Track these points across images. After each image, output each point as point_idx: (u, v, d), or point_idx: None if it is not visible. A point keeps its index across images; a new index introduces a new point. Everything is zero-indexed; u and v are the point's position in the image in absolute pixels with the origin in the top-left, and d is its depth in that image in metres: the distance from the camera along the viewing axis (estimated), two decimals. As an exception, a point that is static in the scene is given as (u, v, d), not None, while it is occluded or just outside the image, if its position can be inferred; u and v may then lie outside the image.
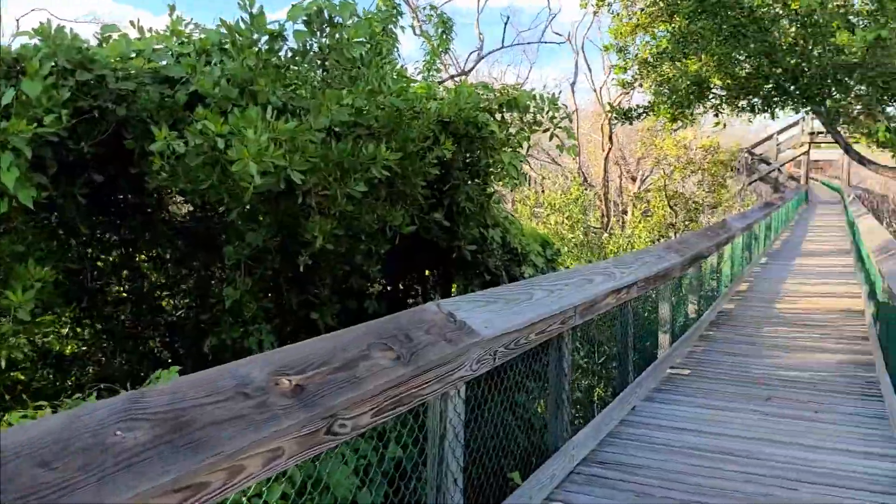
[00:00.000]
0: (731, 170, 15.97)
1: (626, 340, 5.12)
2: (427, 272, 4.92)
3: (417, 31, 11.83)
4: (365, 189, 3.32)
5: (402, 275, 4.95)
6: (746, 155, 41.87)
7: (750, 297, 10.30)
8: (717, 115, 9.33)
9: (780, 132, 43.07)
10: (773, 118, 9.73)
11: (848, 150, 8.04)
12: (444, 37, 7.66)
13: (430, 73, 7.54)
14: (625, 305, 4.98)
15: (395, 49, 5.71)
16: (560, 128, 4.58)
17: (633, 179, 17.41)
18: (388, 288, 4.95)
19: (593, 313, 4.14)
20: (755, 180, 42.50)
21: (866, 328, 7.93)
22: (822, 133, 41.32)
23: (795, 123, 42.11)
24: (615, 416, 4.81)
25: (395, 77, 4.12)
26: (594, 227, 13.31)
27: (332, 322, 3.95)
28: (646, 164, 16.05)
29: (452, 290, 4.97)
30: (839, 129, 8.08)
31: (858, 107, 8.00)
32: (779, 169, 43.94)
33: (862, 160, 7.77)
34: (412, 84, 4.63)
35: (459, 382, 2.71)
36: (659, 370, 5.99)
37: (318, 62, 3.55)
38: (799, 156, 43.17)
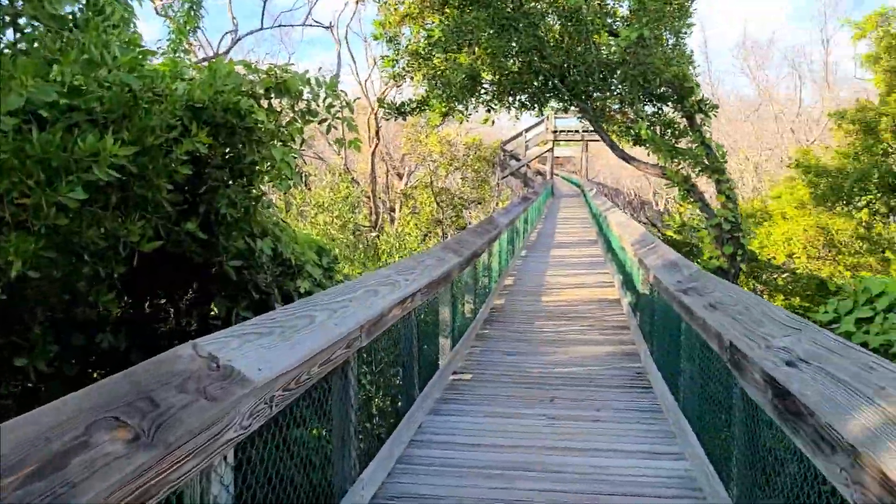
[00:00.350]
0: (493, 166, 16.55)
1: (412, 351, 4.76)
2: (181, 293, 4.07)
3: (159, 9, 10.52)
4: (84, 196, 2.47)
5: (148, 295, 4.06)
6: (499, 151, 44.54)
7: (517, 292, 10.59)
8: (489, 111, 9.38)
9: (527, 130, 46.33)
10: (541, 114, 10.04)
11: (613, 147, 8.50)
12: (193, 13, 6.70)
13: (177, 54, 6.57)
14: (409, 315, 4.60)
15: (132, 23, 4.76)
16: (339, 118, 4.03)
17: (400, 176, 17.37)
18: (131, 311, 4.03)
19: (380, 329, 3.68)
20: (507, 175, 45.31)
21: (625, 317, 8.43)
22: (563, 131, 45.30)
23: (541, 122, 45.67)
24: (404, 437, 4.42)
25: (124, 46, 3.23)
26: (363, 226, 12.96)
27: (48, 368, 3.02)
28: (411, 161, 16.02)
29: (212, 312, 4.20)
30: (604, 125, 8.51)
31: (616, 105, 8.50)
32: (527, 165, 47.33)
33: (626, 157, 8.26)
34: (150, 58, 3.78)
35: (227, 448, 2.08)
36: (443, 378, 5.73)
37: (7, 19, 2.62)
38: (544, 152, 46.78)
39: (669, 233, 11.88)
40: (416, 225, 12.51)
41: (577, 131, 44.95)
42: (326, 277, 4.78)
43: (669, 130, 8.18)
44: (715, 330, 3.14)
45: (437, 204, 14.72)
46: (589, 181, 46.29)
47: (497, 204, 22.60)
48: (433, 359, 5.61)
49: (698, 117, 7.69)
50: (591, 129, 44.70)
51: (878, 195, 11.46)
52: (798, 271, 10.90)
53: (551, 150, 46.04)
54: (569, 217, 27.08)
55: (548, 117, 44.94)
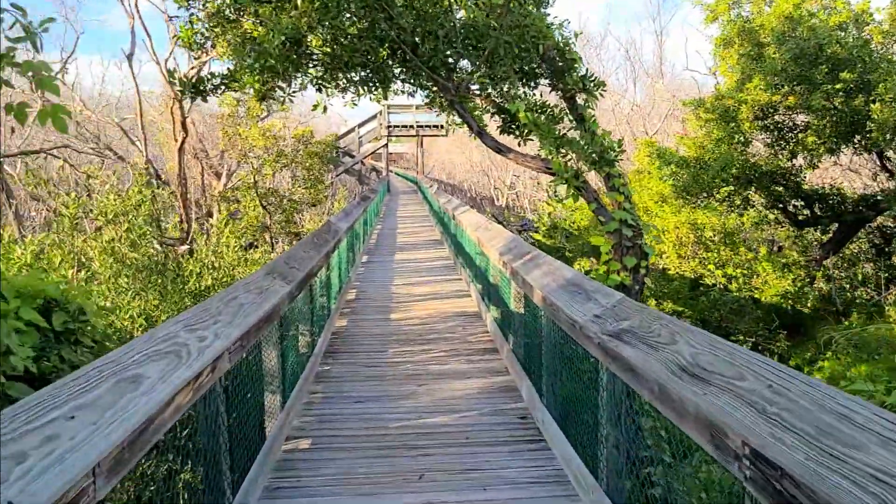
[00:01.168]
0: (327, 163, 14.89)
1: (217, 442, 3.20)
2: None
3: None
4: None
5: None
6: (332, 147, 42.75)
7: (362, 309, 9.15)
8: (319, 91, 7.78)
9: (360, 125, 44.85)
10: (385, 97, 8.58)
11: (482, 135, 7.21)
12: None
13: None
14: (213, 390, 3.05)
15: None
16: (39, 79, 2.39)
17: (218, 175, 15.24)
18: None
19: (143, 449, 2.11)
20: (341, 172, 43.60)
21: (491, 336, 7.27)
22: (397, 126, 44.29)
23: (374, 117, 44.35)
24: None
25: None
26: (170, 239, 10.84)
27: None
28: (231, 158, 13.91)
29: None
30: (467, 108, 7.22)
31: (478, 85, 7.28)
32: (362, 161, 45.87)
33: (500, 148, 7.03)
34: None
35: None
36: (272, 452, 4.20)
37: None
38: (379, 148, 45.54)
39: (537, 236, 11.06)
40: (234, 232, 10.62)
41: (411, 126, 44.13)
42: (59, 352, 3.06)
43: (543, 115, 7.06)
44: (731, 440, 1.88)
45: (264, 208, 12.86)
46: (427, 178, 45.63)
47: (332, 206, 20.95)
48: (253, 433, 4.05)
49: (580, 98, 6.62)
50: (426, 124, 44.05)
51: (736, 188, 11.30)
52: (669, 272, 10.38)
53: (386, 145, 44.88)
54: (408, 216, 25.97)
55: (381, 112, 43.84)
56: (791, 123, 11.79)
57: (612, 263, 5.70)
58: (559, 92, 6.45)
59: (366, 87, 7.77)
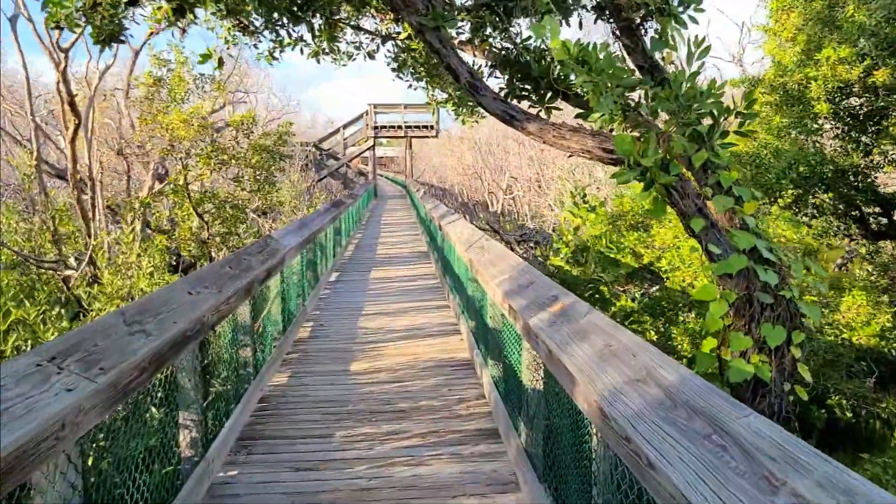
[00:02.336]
0: (283, 159, 12.53)
1: None
2: None
3: None
4: None
5: None
6: (313, 150, 40.42)
7: (313, 354, 6.87)
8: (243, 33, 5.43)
9: (345, 126, 42.63)
10: (329, 47, 6.20)
11: (475, 89, 4.79)
12: None
13: None
14: None
15: None
16: None
17: (161, 179, 12.80)
18: None
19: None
20: (325, 176, 41.33)
21: (489, 407, 5.03)
22: (384, 127, 42.07)
23: (360, 117, 42.13)
24: None
25: None
26: (47, 261, 8.46)
27: None
28: (155, 153, 11.55)
29: None
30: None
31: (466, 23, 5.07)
32: (347, 164, 43.63)
33: (510, 115, 4.66)
34: None
35: None
36: None
37: None
38: (365, 151, 43.31)
39: (556, 261, 8.81)
40: (158, 251, 8.32)
41: (399, 126, 41.96)
42: None
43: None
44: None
45: (200, 217, 10.48)
46: (415, 181, 43.39)
47: (307, 212, 18.66)
48: None
49: (652, 28, 4.28)
50: (415, 124, 41.85)
51: (804, 190, 8.97)
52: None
53: (372, 147, 42.64)
54: (394, 222, 23.71)
55: (367, 112, 41.61)
56: (872, 108, 9.50)
57: (733, 337, 3.43)
58: (612, 19, 4.17)
59: (291, 24, 5.43)
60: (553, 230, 17.55)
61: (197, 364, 3.80)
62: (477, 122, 6.37)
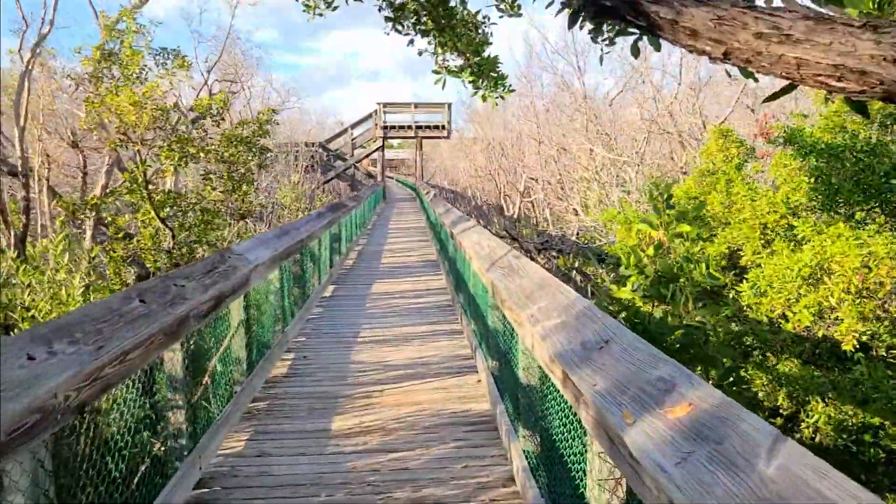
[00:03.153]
0: (264, 153, 10.96)
1: None
2: None
3: None
4: None
5: None
6: (320, 150, 39.03)
7: (283, 408, 5.36)
8: None
9: (353, 126, 41.21)
10: None
11: None
12: None
13: None
14: None
15: None
16: None
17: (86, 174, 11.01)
18: None
19: None
20: (332, 178, 39.95)
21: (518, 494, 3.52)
22: (394, 127, 40.62)
23: (369, 116, 40.69)
24: None
25: None
26: None
27: None
28: (104, 144, 9.96)
29: None
30: None
31: None
32: (355, 166, 42.20)
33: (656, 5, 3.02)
34: None
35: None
36: None
37: None
38: (374, 152, 41.87)
39: (624, 293, 6.98)
40: (92, 263, 6.79)
41: (409, 126, 40.51)
42: None
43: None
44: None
45: (163, 222, 8.89)
46: (426, 183, 41.90)
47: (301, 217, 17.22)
48: None
49: None
50: (426, 124, 40.47)
51: (875, 200, 7.27)
52: (843, 344, 6.36)
53: (381, 148, 41.17)
54: (402, 227, 22.22)
55: (376, 111, 40.18)
56: None
57: None
58: None
59: None
60: (577, 236, 15.92)
61: (44, 469, 2.31)
62: (501, 98, 4.86)
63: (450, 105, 40.31)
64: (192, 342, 4.18)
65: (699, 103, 16.59)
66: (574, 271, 12.90)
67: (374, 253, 15.30)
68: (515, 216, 23.46)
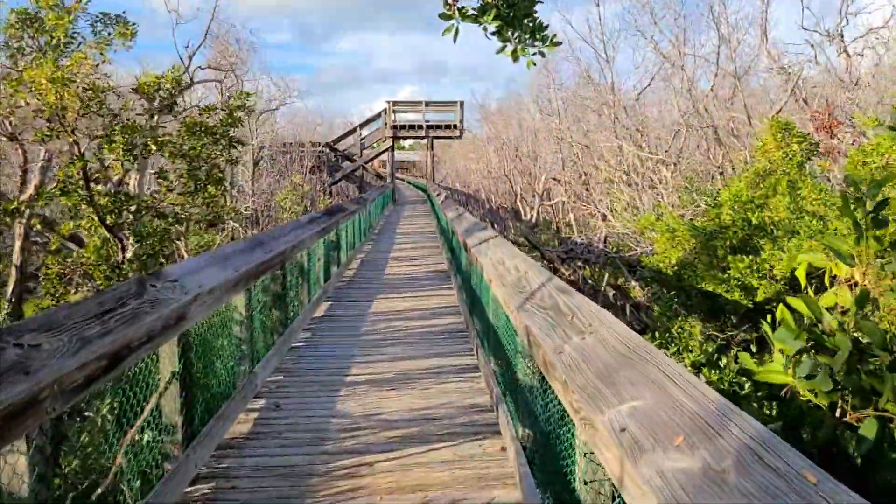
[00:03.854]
0: (236, 146, 9.49)
1: None
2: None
3: None
4: None
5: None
6: (327, 151, 37.71)
7: (231, 497, 3.94)
8: None
9: (362, 125, 39.83)
10: None
11: None
12: None
13: None
14: None
15: None
16: None
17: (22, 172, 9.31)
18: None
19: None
20: (339, 180, 38.61)
21: None
22: (404, 127, 39.24)
23: (378, 116, 39.33)
24: None
25: None
26: None
27: None
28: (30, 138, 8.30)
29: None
30: None
31: None
32: (364, 167, 40.81)
33: None
34: None
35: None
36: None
37: None
38: (383, 152, 40.49)
39: (803, 385, 5.54)
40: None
41: (420, 126, 39.12)
42: None
43: None
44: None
45: (109, 229, 7.42)
46: (436, 185, 40.47)
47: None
48: None
49: None
50: (437, 123, 39.12)
51: None
52: None
53: (391, 148, 39.76)
54: (411, 232, 20.81)
55: (386, 110, 38.82)
56: None
57: None
58: None
59: None
60: (605, 244, 14.35)
61: None
62: (542, 55, 3.45)
63: (462, 103, 38.93)
64: (74, 421, 2.77)
65: (740, 95, 15.08)
66: (607, 286, 11.41)
67: (378, 261, 13.88)
68: (534, 221, 21.89)
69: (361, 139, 39.49)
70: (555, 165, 23.07)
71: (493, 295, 4.96)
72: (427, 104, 39.75)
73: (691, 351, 6.39)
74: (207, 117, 8.70)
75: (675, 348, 6.70)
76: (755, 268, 7.48)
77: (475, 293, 6.67)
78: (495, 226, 25.26)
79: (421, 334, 7.51)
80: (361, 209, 16.40)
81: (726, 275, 7.61)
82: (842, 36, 13.19)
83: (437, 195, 19.87)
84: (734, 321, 7.92)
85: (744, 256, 7.58)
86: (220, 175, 8.64)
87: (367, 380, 5.79)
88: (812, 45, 14.00)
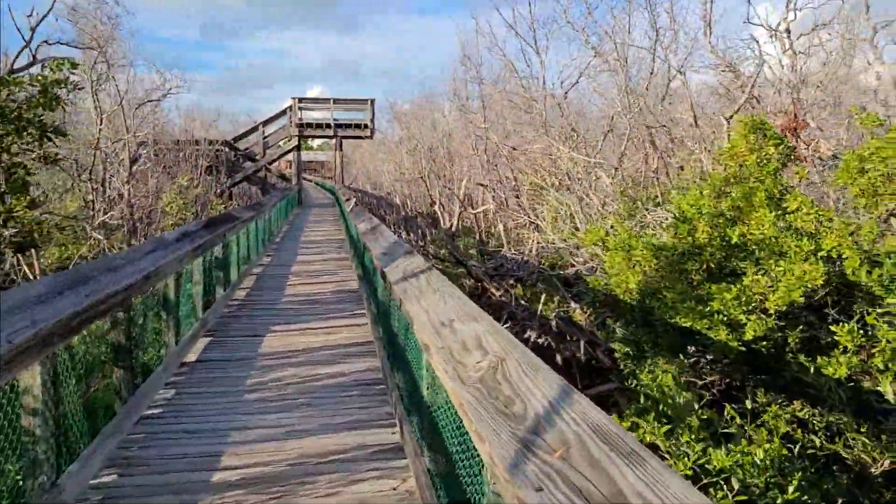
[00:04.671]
0: (48, 136, 7.46)
1: None
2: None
3: None
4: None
5: None
6: (226, 149, 35.07)
7: None
8: None
9: (265, 123, 37.32)
10: None
11: None
12: None
13: None
14: None
15: None
16: None
17: None
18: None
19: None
20: (240, 181, 36.00)
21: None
22: (311, 125, 37.03)
23: (283, 113, 36.92)
24: None
25: None
26: None
27: None
28: None
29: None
30: None
31: None
32: (267, 167, 38.22)
33: None
34: None
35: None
36: None
37: None
38: (288, 152, 38.11)
39: None
40: None
41: (328, 125, 37.05)
42: None
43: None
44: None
45: None
46: (346, 188, 38.43)
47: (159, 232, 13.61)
48: None
49: None
50: (347, 122, 37.07)
51: None
52: None
53: (298, 147, 37.42)
54: (318, 240, 18.90)
55: (291, 108, 36.50)
56: None
57: None
58: None
59: None
60: (539, 258, 12.79)
61: None
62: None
63: (372, 101, 37.06)
64: None
65: (686, 94, 13.97)
66: (556, 317, 9.80)
67: (277, 277, 11.98)
68: (454, 229, 20.13)
69: (265, 137, 36.96)
70: (473, 169, 21.50)
71: (427, 362, 3.32)
72: (336, 101, 37.66)
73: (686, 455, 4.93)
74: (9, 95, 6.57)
75: (652, 415, 5.23)
76: (743, 299, 6.12)
77: (396, 340, 4.99)
78: (411, 235, 23.49)
79: (326, 388, 5.77)
80: (259, 216, 14.42)
81: (707, 307, 6.22)
82: (788, 32, 12.24)
83: (347, 200, 18.02)
84: (707, 359, 6.56)
85: (729, 285, 6.21)
86: (23, 178, 6.49)
87: (243, 480, 4.02)
88: (756, 41, 13.07)
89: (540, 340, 9.67)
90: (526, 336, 9.82)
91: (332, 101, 37.67)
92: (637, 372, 6.32)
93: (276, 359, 6.67)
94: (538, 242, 12.75)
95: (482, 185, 18.54)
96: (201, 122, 34.85)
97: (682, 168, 14.64)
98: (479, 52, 43.20)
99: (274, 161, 39.68)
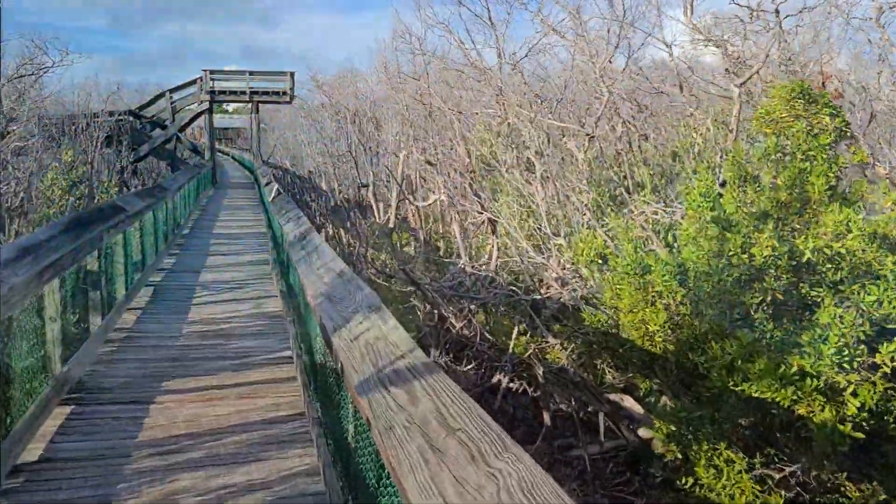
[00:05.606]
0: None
1: None
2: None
3: None
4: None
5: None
6: (130, 118, 31.64)
7: None
8: None
9: (173, 90, 33.88)
10: None
11: None
12: None
13: None
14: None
15: None
16: None
17: None
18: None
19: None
20: (146, 155, 32.66)
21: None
22: (223, 93, 33.90)
23: (193, 82, 33.54)
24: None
25: None
26: None
27: None
28: None
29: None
30: None
31: None
32: (178, 137, 34.56)
33: None
34: None
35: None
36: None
37: None
38: (199, 116, 34.76)
39: None
40: None
41: (243, 92, 34.06)
42: None
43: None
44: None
45: None
46: (265, 164, 35.52)
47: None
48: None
49: None
50: (265, 90, 33.78)
51: None
52: None
53: (210, 110, 33.99)
54: (234, 234, 16.52)
55: (202, 79, 33.19)
56: None
57: None
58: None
59: None
60: (496, 268, 10.44)
61: None
62: None
63: (293, 73, 34.14)
64: None
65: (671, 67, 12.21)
66: (575, 387, 7.67)
67: (179, 292, 9.67)
68: (390, 222, 17.56)
69: (172, 104, 33.46)
70: (411, 144, 19.15)
71: None
72: (252, 73, 34.56)
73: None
74: None
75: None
76: (840, 348, 4.34)
77: (347, 447, 2.97)
78: (341, 231, 20.97)
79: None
80: (158, 204, 11.96)
81: (790, 367, 4.41)
82: (777, 12, 10.75)
83: (268, 184, 15.63)
84: (788, 444, 4.79)
85: (821, 330, 4.41)
86: None
87: None
88: (741, 20, 11.53)
89: (512, 385, 7.84)
90: (495, 381, 7.97)
91: (248, 72, 34.62)
92: (692, 463, 4.49)
93: (163, 456, 4.52)
94: (497, 248, 10.73)
95: (429, 163, 16.15)
96: (98, 95, 31.20)
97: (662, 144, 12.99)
98: (421, 27, 39.97)
99: (185, 126, 36.25)
